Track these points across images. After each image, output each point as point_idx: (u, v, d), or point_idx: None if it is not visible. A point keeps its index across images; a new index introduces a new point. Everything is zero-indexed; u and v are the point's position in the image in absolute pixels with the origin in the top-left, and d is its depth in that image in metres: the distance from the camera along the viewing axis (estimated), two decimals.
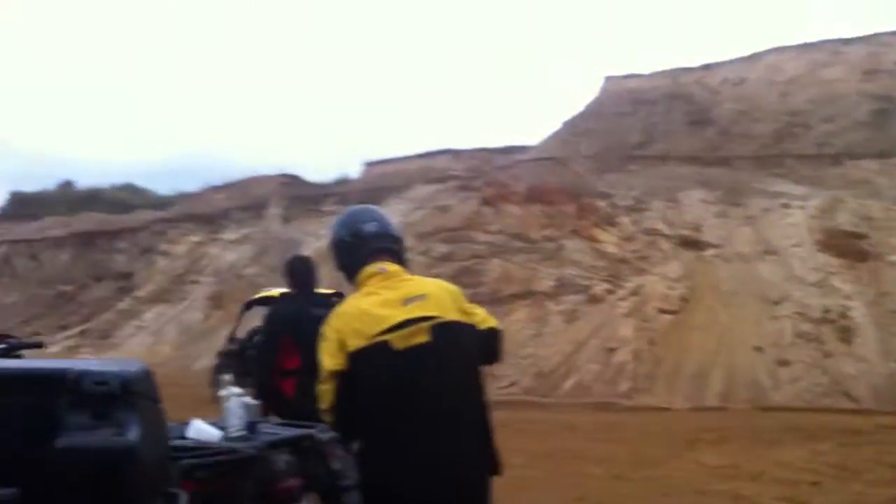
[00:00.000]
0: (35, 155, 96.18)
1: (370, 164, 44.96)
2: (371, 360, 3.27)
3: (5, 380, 2.07)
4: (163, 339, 28.61)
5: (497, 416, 3.46)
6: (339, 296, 6.03)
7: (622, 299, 22.02)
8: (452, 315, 3.44)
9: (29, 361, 3.04)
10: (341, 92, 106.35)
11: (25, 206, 60.69)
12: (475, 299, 17.86)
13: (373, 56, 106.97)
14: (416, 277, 3.60)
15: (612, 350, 20.17)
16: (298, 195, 34.79)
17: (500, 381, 20.37)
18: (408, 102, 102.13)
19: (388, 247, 3.65)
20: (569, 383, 19.59)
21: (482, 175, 30.96)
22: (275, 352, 5.38)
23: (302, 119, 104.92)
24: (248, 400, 3.14)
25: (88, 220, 43.90)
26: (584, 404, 18.16)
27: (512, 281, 24.58)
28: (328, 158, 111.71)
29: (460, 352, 3.44)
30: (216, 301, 29.78)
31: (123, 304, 32.54)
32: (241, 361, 17.03)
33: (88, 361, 2.26)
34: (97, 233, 40.03)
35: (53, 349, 30.13)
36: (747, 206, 24.91)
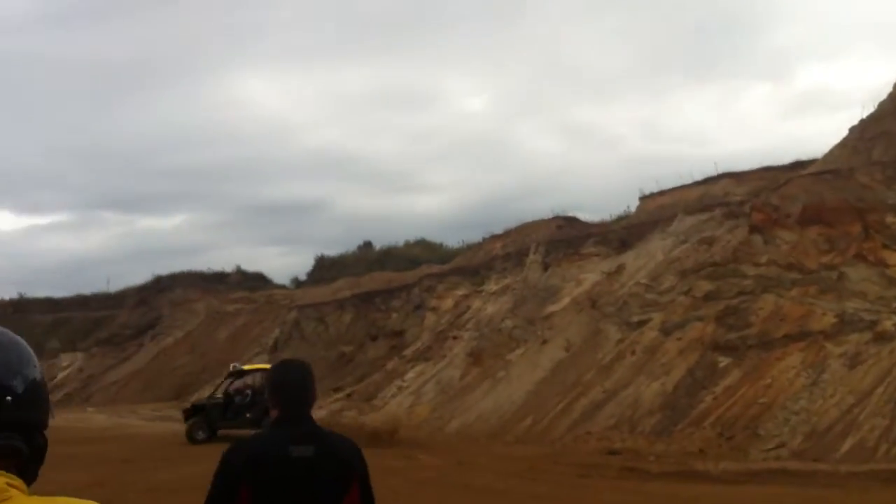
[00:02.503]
0: (346, 218, 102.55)
1: (645, 198, 42.13)
2: None
3: None
4: (421, 399, 27.85)
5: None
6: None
7: None
8: None
9: None
10: (630, 122, 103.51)
11: (327, 270, 64.20)
12: (743, 343, 14.98)
13: (654, 78, 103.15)
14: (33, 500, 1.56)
15: None
16: (560, 239, 33.03)
17: (764, 443, 17.27)
18: (692, 121, 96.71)
19: None
20: (847, 444, 16.01)
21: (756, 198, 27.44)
22: None
23: (594, 153, 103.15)
24: None
25: (372, 280, 44.99)
26: (867, 473, 14.57)
27: (785, 320, 21.14)
28: (614, 195, 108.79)
29: None
30: (475, 357, 28.63)
31: (391, 364, 32.39)
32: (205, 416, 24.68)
33: None
34: (375, 292, 40.74)
35: (321, 413, 30.51)
36: None
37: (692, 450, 18.09)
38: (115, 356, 61.04)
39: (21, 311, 74.56)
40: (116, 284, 74.26)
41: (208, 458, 3.77)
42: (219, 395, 25.98)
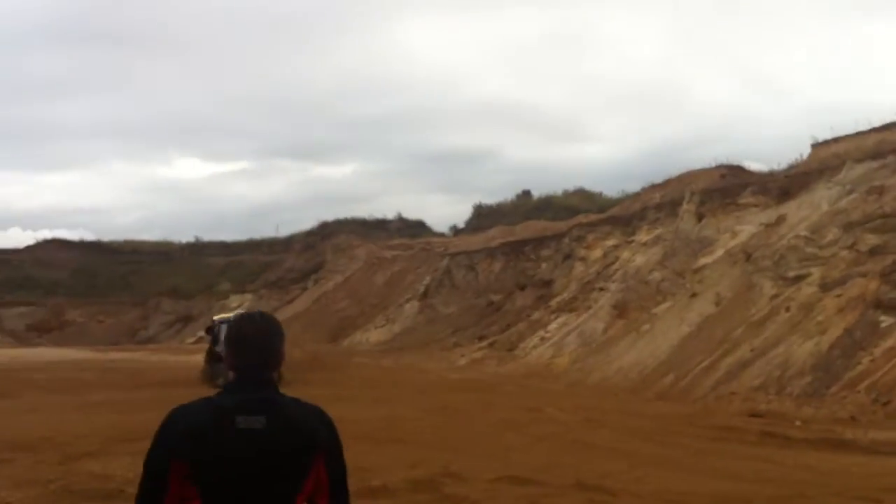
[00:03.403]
0: (511, 168, 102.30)
1: (817, 146, 39.40)
2: None
3: None
4: (562, 350, 27.28)
5: None
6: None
7: None
8: None
9: None
10: (811, 70, 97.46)
11: (485, 218, 64.11)
12: None
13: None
14: None
15: None
16: (716, 188, 31.27)
17: None
18: (880, 69, 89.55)
19: None
20: None
21: None
22: (158, 493, 2.92)
23: (770, 101, 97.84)
24: None
25: (525, 229, 44.48)
26: None
27: None
28: (789, 144, 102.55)
29: None
30: (620, 309, 27.75)
31: (536, 314, 31.90)
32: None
33: None
34: (526, 241, 40.22)
35: (462, 361, 30.47)
36: None
37: (843, 416, 16.76)
38: (280, 298, 63.45)
39: (197, 253, 78.71)
40: (286, 230, 77.19)
41: None
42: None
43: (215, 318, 26.95)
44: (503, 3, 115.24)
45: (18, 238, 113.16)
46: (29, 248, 78.73)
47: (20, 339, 60.47)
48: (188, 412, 2.92)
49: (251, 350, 2.98)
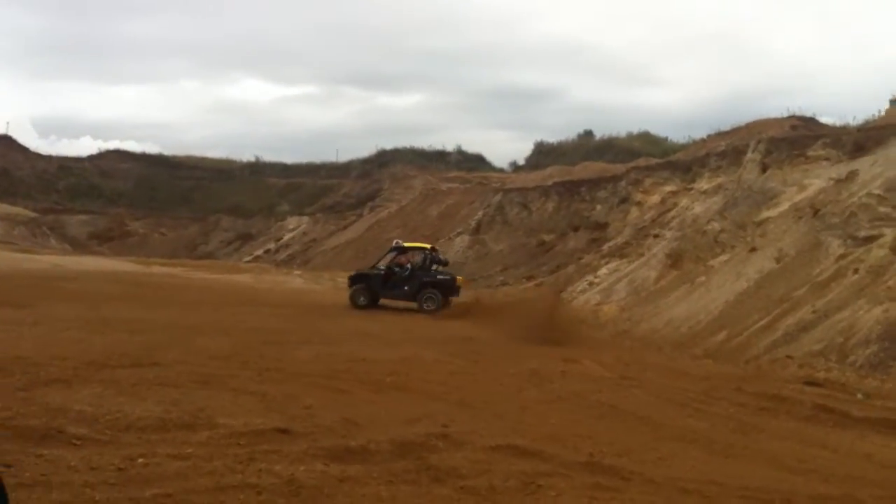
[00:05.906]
0: (577, 108, 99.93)
1: None
2: None
3: None
4: (611, 297, 25.93)
5: None
6: None
7: None
8: None
9: None
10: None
11: (545, 156, 62.53)
12: None
13: None
14: None
15: None
16: (784, 137, 29.26)
17: None
18: None
19: None
20: None
21: None
22: None
23: (849, 53, 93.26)
24: None
25: (583, 170, 42.91)
26: None
27: None
28: (869, 99, 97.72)
29: None
30: (675, 259, 26.23)
31: (587, 258, 30.50)
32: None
33: None
34: (581, 181, 38.65)
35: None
36: None
37: None
38: (335, 223, 62.93)
39: (257, 173, 78.48)
40: (345, 155, 76.58)
41: None
42: (382, 266, 26.56)
43: (395, 242, 28.31)
44: None
45: (88, 147, 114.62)
46: (93, 158, 79.31)
47: (81, 247, 60.93)
48: None
49: None
